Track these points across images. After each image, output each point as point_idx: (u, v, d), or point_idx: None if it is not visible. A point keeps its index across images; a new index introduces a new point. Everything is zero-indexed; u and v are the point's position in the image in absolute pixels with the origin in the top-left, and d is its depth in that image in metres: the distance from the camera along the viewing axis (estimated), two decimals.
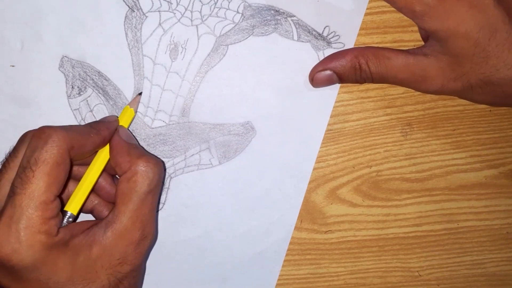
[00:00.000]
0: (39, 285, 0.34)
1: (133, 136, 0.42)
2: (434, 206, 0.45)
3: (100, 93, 0.42)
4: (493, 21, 0.37)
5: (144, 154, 0.38)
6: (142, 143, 0.43)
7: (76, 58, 0.42)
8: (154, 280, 0.44)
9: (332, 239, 0.45)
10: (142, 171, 0.37)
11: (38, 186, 0.34)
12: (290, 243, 0.45)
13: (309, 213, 0.45)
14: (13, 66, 0.41)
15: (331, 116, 0.43)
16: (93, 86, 0.42)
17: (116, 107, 0.42)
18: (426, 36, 0.40)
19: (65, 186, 0.36)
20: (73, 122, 0.42)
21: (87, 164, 0.39)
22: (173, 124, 0.43)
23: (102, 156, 0.39)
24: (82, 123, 0.42)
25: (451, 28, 0.37)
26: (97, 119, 0.42)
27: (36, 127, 0.42)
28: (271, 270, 0.45)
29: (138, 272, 0.38)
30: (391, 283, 0.46)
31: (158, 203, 0.43)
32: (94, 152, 0.39)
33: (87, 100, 0.42)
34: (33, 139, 0.35)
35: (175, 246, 0.44)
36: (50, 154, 0.34)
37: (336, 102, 0.43)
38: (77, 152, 0.36)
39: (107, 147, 0.39)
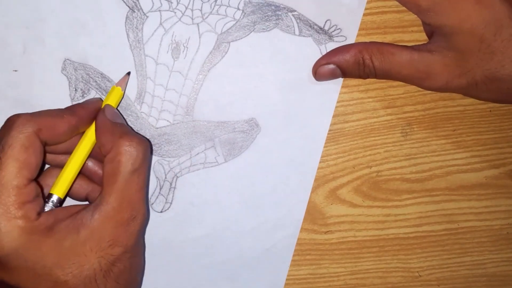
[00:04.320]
0: (26, 272, 0.34)
1: (121, 115, 0.41)
2: (435, 207, 0.45)
3: (103, 94, 0.42)
4: (499, 16, 0.37)
5: (127, 132, 0.37)
6: None
7: (78, 61, 0.42)
8: (163, 279, 0.44)
9: (332, 240, 0.45)
10: (125, 151, 0.36)
11: (8, 172, 0.34)
12: None
13: (309, 214, 0.45)
14: (16, 71, 0.41)
15: (331, 116, 0.44)
16: (96, 88, 0.42)
17: (119, 108, 0.42)
18: (431, 32, 0.40)
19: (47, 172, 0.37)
20: None
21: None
22: (178, 123, 0.43)
23: (88, 137, 0.38)
24: None
25: (456, 24, 0.37)
26: None
27: None
28: (280, 266, 0.45)
29: (132, 254, 0.37)
30: (391, 283, 0.46)
31: (148, 182, 0.42)
32: (76, 134, 0.38)
33: None
34: (0, 130, 0.35)
35: (183, 245, 0.44)
36: (16, 138, 0.34)
37: (336, 102, 0.43)
38: (49, 134, 0.36)
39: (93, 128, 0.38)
